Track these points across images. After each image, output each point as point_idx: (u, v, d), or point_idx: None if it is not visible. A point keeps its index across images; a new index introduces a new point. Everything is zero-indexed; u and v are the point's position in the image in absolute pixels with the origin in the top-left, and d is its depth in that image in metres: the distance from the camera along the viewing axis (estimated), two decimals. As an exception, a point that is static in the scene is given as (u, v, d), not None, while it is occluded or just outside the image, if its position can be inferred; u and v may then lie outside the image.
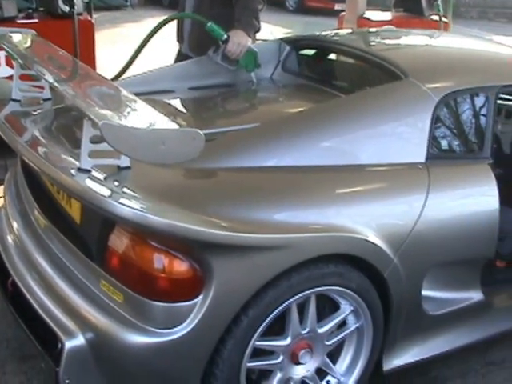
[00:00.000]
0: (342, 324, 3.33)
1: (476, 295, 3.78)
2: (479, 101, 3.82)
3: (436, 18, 10.19)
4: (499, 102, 4.72)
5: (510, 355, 4.12)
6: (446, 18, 10.40)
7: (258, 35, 4.89)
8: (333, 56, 4.81)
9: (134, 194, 2.78)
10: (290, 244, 2.93)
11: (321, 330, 3.24)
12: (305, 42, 4.78)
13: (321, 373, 3.36)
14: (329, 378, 3.39)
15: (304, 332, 3.19)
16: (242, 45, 4.39)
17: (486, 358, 4.07)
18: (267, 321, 3.00)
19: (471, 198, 3.62)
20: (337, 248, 3.10)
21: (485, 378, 3.92)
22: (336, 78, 4.69)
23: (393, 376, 3.59)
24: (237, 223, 2.84)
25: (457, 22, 14.73)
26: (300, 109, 3.64)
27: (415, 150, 3.48)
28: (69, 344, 2.89)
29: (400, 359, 3.56)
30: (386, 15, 10.49)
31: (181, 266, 2.81)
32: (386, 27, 5.82)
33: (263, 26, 4.79)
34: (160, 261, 2.80)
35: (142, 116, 2.81)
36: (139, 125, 2.63)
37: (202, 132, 2.65)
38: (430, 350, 3.67)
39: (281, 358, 3.18)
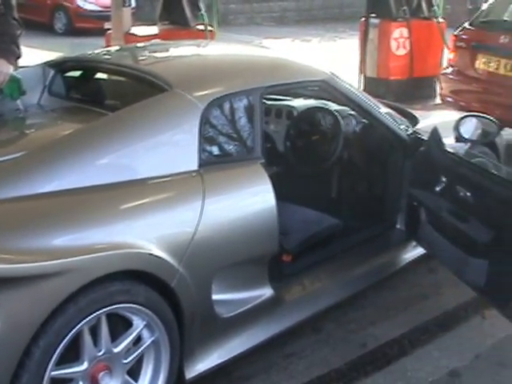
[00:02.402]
0: (138, 340, 3.32)
1: (267, 292, 3.90)
2: (245, 103, 3.92)
3: (202, 27, 10.34)
4: (270, 102, 4.89)
5: (308, 344, 4.25)
6: (211, 26, 10.59)
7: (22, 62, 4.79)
8: (99, 75, 4.76)
9: None
10: (72, 267, 2.90)
11: (116, 350, 3.22)
12: (70, 64, 4.72)
13: (124, 392, 3.34)
14: (133, 395, 3.38)
15: (100, 354, 3.16)
16: (3, 73, 4.29)
17: (285, 351, 4.17)
18: (60, 348, 2.95)
19: (247, 199, 3.73)
20: (120, 265, 3.10)
21: (287, 369, 4.02)
22: (104, 96, 4.66)
23: (197, 382, 3.60)
24: (14, 254, 2.79)
25: (226, 30, 15.08)
26: (70, 131, 3.60)
27: (187, 158, 3.53)
28: None
29: (201, 365, 3.60)
30: (153, 29, 10.51)
31: None
32: (152, 41, 5.86)
33: (31, 50, 4.69)
34: None
35: None
36: None
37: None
38: (230, 351, 3.73)
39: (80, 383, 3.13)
